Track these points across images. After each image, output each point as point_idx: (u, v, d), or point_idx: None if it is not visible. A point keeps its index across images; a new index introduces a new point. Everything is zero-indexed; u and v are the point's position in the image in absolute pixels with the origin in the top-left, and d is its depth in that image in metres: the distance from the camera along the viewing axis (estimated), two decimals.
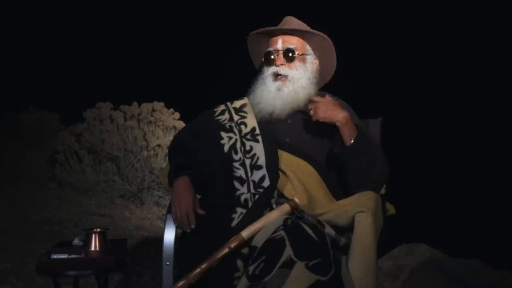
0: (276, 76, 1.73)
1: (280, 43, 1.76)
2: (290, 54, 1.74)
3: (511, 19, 5.86)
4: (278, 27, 1.80)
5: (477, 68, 6.24)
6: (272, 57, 1.75)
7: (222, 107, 1.83)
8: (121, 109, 4.05)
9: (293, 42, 1.77)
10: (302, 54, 1.77)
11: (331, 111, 1.59)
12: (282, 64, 1.74)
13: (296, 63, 1.75)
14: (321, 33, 1.78)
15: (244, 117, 1.75)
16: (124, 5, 6.74)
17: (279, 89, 1.72)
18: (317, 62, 1.81)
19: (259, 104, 1.75)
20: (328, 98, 1.64)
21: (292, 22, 1.81)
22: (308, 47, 1.80)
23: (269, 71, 1.75)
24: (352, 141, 1.58)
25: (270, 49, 1.77)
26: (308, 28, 1.79)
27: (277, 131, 1.71)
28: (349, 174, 1.62)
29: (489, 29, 6.25)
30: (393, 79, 6.42)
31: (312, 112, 1.61)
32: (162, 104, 4.14)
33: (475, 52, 6.31)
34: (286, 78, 1.73)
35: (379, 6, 6.55)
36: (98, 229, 1.73)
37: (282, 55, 1.74)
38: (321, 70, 1.83)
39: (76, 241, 1.79)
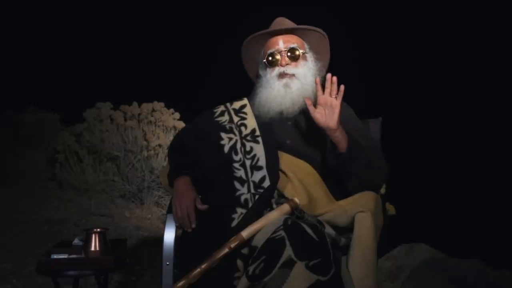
0: (282, 75, 1.71)
1: (281, 43, 1.74)
2: (295, 53, 1.72)
3: (510, 19, 5.86)
4: (277, 27, 1.78)
5: (477, 68, 6.24)
6: (277, 58, 1.72)
7: (222, 108, 1.83)
8: (121, 109, 4.05)
9: (294, 41, 1.76)
10: (304, 53, 1.76)
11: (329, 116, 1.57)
12: (288, 64, 1.71)
13: (301, 61, 1.73)
14: (317, 29, 1.78)
15: (244, 118, 1.75)
16: (124, 5, 6.73)
17: (287, 86, 1.69)
18: (314, 59, 1.80)
19: (265, 105, 1.71)
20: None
21: (286, 22, 1.80)
22: (306, 45, 1.79)
23: (274, 72, 1.72)
24: (345, 150, 1.56)
25: (272, 50, 1.74)
26: (306, 26, 1.78)
27: (277, 133, 1.70)
28: (346, 180, 1.60)
29: (489, 29, 6.25)
30: (393, 79, 6.41)
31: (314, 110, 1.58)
32: (162, 104, 4.14)
33: (475, 52, 6.31)
34: (293, 75, 1.70)
35: (379, 6, 6.55)
36: (98, 229, 1.74)
37: (286, 55, 1.72)
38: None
39: (76, 241, 1.79)
